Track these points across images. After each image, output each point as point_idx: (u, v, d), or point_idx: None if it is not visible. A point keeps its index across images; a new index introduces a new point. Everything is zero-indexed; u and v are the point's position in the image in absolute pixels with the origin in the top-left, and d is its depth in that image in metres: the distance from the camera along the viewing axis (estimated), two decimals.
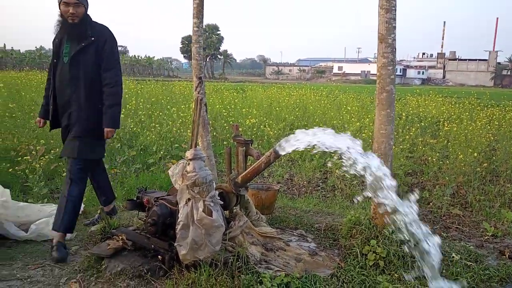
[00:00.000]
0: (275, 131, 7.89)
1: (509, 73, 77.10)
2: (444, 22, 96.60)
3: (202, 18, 5.13)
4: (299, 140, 2.66)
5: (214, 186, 2.76)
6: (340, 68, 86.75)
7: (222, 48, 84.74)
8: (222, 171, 5.89)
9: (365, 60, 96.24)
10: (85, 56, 3.18)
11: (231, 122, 8.34)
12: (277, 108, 10.27)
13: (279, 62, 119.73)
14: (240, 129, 7.66)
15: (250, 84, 36.43)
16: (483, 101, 15.49)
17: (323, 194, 5.44)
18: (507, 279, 3.22)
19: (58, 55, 3.26)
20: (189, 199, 2.54)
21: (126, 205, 3.15)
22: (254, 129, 7.99)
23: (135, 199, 3.09)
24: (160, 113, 8.57)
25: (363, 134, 6.86)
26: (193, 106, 2.64)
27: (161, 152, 6.38)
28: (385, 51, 3.65)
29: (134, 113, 8.93)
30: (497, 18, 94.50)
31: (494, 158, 7.01)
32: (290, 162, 6.85)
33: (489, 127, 8.61)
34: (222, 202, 2.87)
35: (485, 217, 4.73)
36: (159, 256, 2.75)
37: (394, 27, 3.65)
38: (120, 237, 3.03)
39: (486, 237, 4.04)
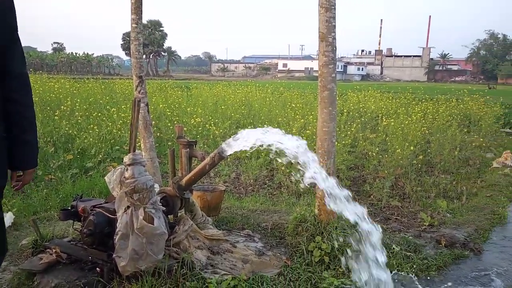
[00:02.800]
0: (221, 130, 7.81)
1: (441, 68, 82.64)
2: (381, 20, 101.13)
3: (141, 14, 4.92)
4: (242, 141, 2.62)
5: (156, 191, 2.64)
6: (284, 65, 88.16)
7: (166, 45, 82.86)
8: (167, 173, 5.72)
9: (308, 57, 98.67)
10: None
11: (175, 122, 8.14)
12: (222, 106, 10.19)
13: (224, 59, 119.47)
14: (185, 128, 7.53)
15: (195, 81, 35.97)
16: (417, 95, 16.42)
17: (270, 192, 5.46)
18: (444, 267, 3.41)
19: None
20: (128, 207, 2.41)
21: (59, 215, 2.94)
22: (200, 128, 7.86)
23: (69, 208, 2.89)
24: (99, 114, 8.16)
25: (307, 131, 6.97)
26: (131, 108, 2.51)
27: (101, 155, 6.06)
28: (326, 49, 3.71)
29: (70, 114, 8.43)
30: (430, 16, 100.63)
31: (428, 150, 7.43)
32: (236, 161, 6.81)
33: (423, 120, 9.12)
34: (165, 208, 2.76)
35: (422, 207, 4.99)
36: (97, 269, 2.59)
37: (334, 26, 3.71)
38: (54, 250, 2.81)
39: (424, 227, 4.25)
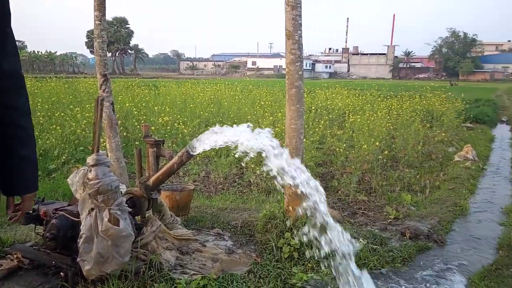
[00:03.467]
0: (190, 129, 7.74)
1: (405, 65, 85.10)
2: (347, 18, 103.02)
3: (104, 10, 4.80)
4: (210, 139, 2.60)
5: (121, 192, 2.59)
6: (254, 63, 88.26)
7: (132, 43, 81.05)
8: (135, 173, 5.61)
9: (277, 55, 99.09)
10: None
11: (142, 121, 7.99)
12: (191, 105, 10.09)
13: (193, 57, 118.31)
14: (152, 128, 7.41)
15: (163, 80, 35.42)
16: (383, 92, 16.84)
17: (240, 190, 5.46)
18: (409, 259, 3.51)
19: None
20: (92, 209, 2.34)
21: (20, 219, 2.82)
22: (168, 127, 7.75)
23: (30, 211, 2.78)
24: (62, 114, 7.90)
25: (276, 128, 7.01)
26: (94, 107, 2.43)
27: (64, 157, 5.87)
28: (292, 47, 3.74)
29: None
30: (394, 15, 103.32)
31: (393, 145, 7.64)
32: (206, 160, 6.77)
33: (388, 117, 9.37)
34: (131, 209, 2.70)
35: (388, 201, 5.13)
36: (61, 273, 2.51)
37: (300, 24, 3.75)
38: (15, 256, 2.71)
39: (389, 220, 4.37)
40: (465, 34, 76.27)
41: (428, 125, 9.78)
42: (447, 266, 3.42)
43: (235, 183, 5.70)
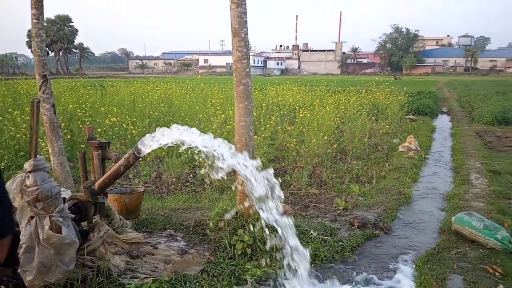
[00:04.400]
0: (139, 129, 7.54)
1: (352, 61, 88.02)
2: (296, 16, 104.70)
3: (42, 8, 4.58)
4: (157, 140, 2.56)
5: (64, 198, 2.48)
6: (206, 60, 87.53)
7: (77, 41, 77.53)
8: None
9: (228, 53, 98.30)
10: None
11: (88, 123, 7.69)
12: (140, 105, 9.83)
13: (143, 55, 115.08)
14: (99, 129, 7.15)
15: (111, 79, 34.21)
16: (331, 88, 17.32)
17: (193, 189, 5.40)
18: (357, 247, 3.66)
19: None
20: (32, 217, 2.23)
21: None
22: (116, 128, 7.50)
23: None
24: (1, 118, 7.42)
25: (228, 126, 7.01)
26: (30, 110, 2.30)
27: (4, 163, 5.52)
28: (239, 45, 3.75)
29: None
30: (341, 12, 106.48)
31: (341, 139, 7.89)
32: (157, 160, 6.63)
33: (336, 111, 9.66)
34: (75, 215, 2.60)
35: (338, 193, 5.29)
36: (1, 286, 2.36)
37: (246, 22, 3.76)
38: None
39: (339, 211, 4.52)
40: (407, 30, 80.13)
41: (374, 118, 10.18)
42: (393, 252, 3.59)
43: (188, 183, 5.64)
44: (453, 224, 3.77)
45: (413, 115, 12.94)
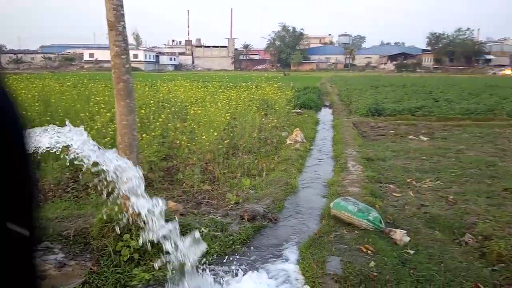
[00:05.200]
0: None
1: (245, 57, 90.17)
2: (188, 11, 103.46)
3: None
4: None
5: None
6: (91, 55, 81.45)
7: None
8: None
9: None
10: None
11: None
12: None
13: (17, 49, 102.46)
14: None
15: None
16: (223, 84, 17.49)
17: (75, 195, 4.99)
18: (247, 240, 3.75)
19: None
20: None
21: None
22: None
23: None
24: None
25: (113, 125, 6.60)
26: None
27: None
28: (116, 39, 3.54)
29: None
30: (232, 9, 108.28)
31: (233, 134, 8.02)
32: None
33: (228, 107, 9.77)
34: None
35: (230, 187, 5.37)
36: None
37: (123, 15, 3.57)
38: None
39: (230, 206, 4.59)
40: (293, 28, 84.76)
41: (263, 113, 10.56)
42: (279, 241, 3.77)
43: (69, 188, 5.19)
44: (332, 209, 4.09)
45: (300, 109, 13.76)
